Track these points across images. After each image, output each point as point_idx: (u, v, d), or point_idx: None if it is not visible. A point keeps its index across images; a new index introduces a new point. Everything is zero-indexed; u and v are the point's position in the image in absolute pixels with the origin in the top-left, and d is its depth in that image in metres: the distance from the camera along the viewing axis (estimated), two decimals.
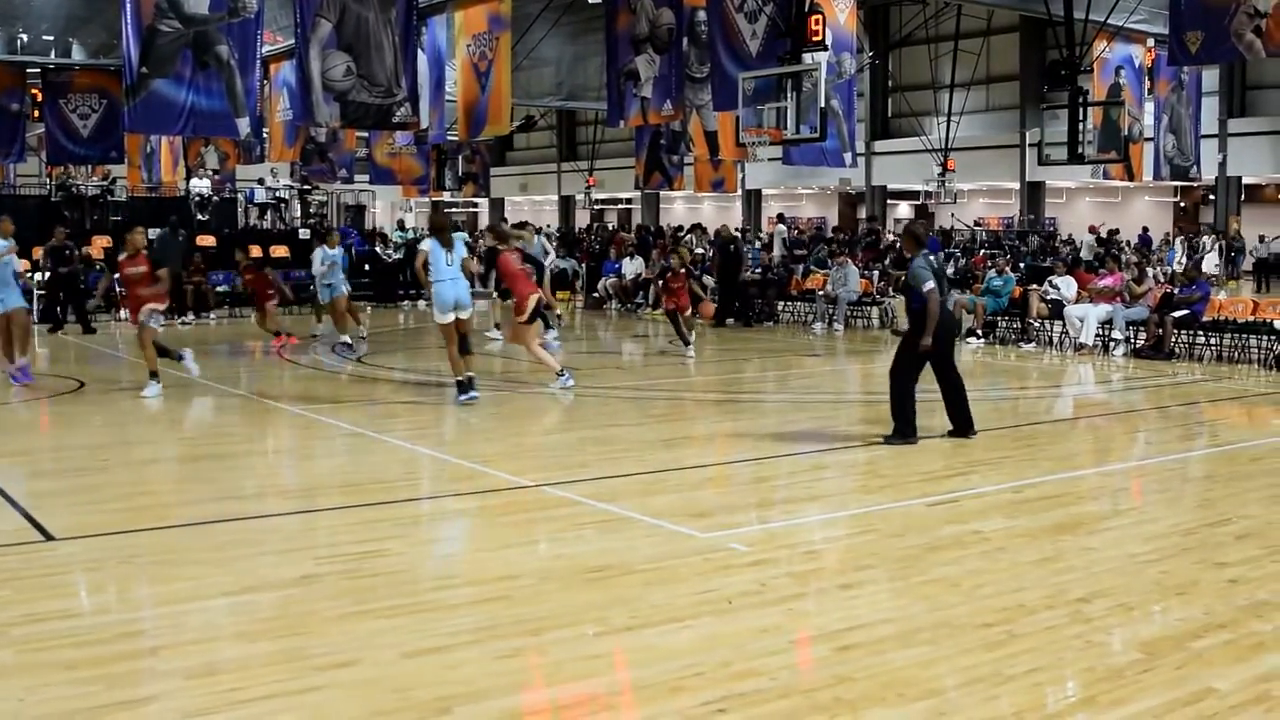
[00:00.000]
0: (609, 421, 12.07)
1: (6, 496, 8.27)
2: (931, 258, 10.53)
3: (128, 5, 21.08)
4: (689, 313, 17.95)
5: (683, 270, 18.10)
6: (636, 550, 6.98)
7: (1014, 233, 34.87)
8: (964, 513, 7.96)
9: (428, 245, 13.05)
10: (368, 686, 4.88)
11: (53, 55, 34.12)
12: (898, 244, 30.24)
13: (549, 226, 47.30)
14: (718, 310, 22.20)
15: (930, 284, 10.10)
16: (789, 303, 24.65)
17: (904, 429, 10.32)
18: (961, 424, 10.61)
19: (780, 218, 39.69)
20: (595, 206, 46.79)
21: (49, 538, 7.26)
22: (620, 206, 52.62)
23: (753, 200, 45.61)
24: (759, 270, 25.91)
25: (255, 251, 21.00)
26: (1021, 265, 24.90)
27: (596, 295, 28.14)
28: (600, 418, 12.36)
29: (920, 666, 5.09)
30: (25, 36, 40.21)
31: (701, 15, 22.62)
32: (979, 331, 19.91)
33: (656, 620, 5.70)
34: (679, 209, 49.30)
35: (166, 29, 21.68)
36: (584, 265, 31.36)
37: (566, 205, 52.18)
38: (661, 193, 44.39)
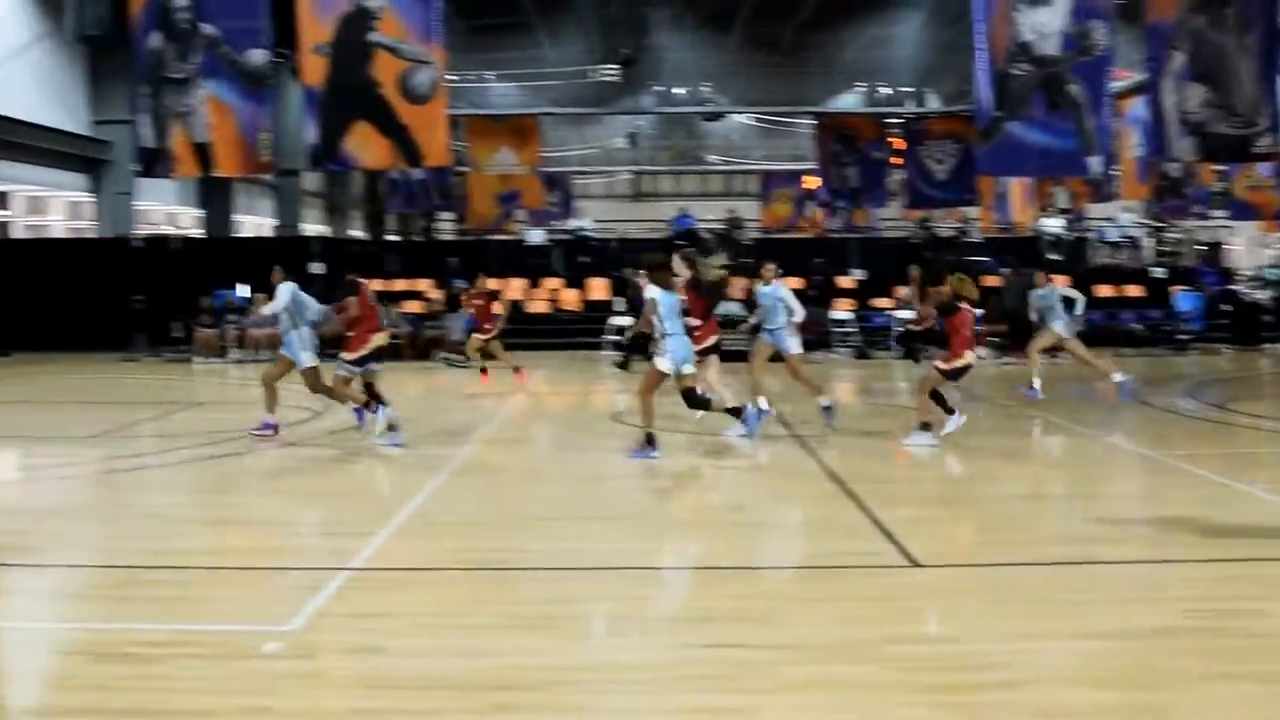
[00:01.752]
0: None
1: (875, 521, 8.83)
2: None
3: (981, 52, 21.83)
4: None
5: (961, 307, 12.79)
6: None
7: None
8: None
9: (656, 293, 11.65)
10: None
11: (910, 105, 36.29)
12: None
13: None
14: None
15: None
16: None
17: None
18: None
19: None
20: None
21: (914, 564, 7.63)
22: None
23: None
24: None
25: (490, 284, 19.59)
26: None
27: None
28: None
29: None
30: (886, 90, 43.33)
31: None
32: None
33: None
34: None
35: (1018, 72, 22.23)
36: None
37: None
38: None
